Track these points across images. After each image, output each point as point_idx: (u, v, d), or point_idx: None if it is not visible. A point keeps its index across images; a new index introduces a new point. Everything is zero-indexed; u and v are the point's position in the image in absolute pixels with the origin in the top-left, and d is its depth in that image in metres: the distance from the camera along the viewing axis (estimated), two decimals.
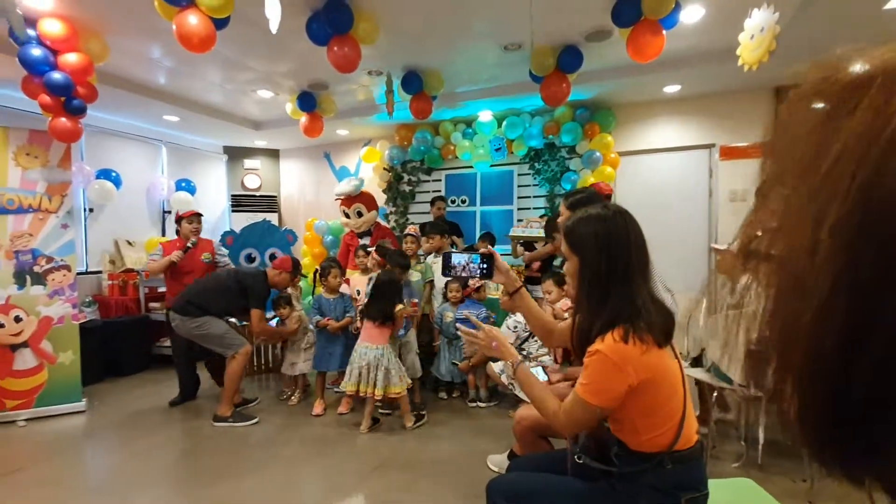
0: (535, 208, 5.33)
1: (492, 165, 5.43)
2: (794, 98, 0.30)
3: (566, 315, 2.58)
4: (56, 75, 3.12)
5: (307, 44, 3.18)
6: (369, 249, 3.87)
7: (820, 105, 0.29)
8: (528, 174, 5.35)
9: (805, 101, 0.30)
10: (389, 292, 3.12)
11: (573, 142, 4.89)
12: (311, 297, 3.97)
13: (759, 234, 0.30)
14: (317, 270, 3.81)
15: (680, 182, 4.95)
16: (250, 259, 4.89)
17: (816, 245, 0.26)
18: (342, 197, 4.83)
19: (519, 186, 5.47)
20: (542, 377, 2.53)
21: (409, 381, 3.16)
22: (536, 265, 3.91)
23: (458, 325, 1.51)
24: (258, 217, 5.73)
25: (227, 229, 5.81)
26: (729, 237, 3.01)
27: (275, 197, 6.89)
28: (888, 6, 2.79)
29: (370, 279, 3.47)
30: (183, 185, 5.89)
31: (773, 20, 2.34)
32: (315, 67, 4.01)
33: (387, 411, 3.37)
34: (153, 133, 5.64)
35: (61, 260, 3.53)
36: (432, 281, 3.91)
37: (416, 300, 3.56)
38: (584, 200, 2.45)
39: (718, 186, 4.72)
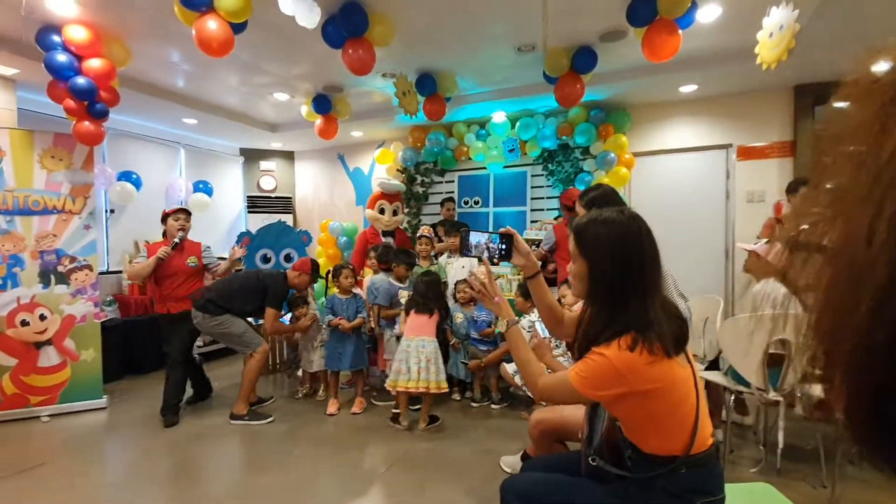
0: (548, 209, 5.31)
1: (505, 167, 5.43)
2: (850, 86, 0.30)
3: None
4: (80, 80, 3.21)
5: (322, 47, 3.21)
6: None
7: (880, 93, 0.29)
8: (542, 175, 5.34)
9: (863, 89, 0.30)
10: (434, 282, 3.30)
11: (587, 143, 4.87)
12: (324, 298, 4.02)
13: (807, 225, 0.30)
14: (329, 271, 3.86)
15: (696, 183, 4.89)
16: (266, 259, 4.95)
17: (874, 234, 0.26)
18: (390, 192, 4.88)
19: (532, 188, 5.45)
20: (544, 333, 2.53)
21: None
22: (551, 267, 3.90)
23: (468, 275, 1.49)
24: (273, 218, 5.79)
25: (244, 230, 5.89)
26: (746, 239, 2.99)
27: (290, 198, 6.97)
28: None
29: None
30: (200, 186, 5.98)
31: (793, 18, 2.30)
32: (330, 70, 4.05)
33: (398, 410, 3.38)
34: (172, 136, 5.75)
35: (84, 260, 3.62)
36: (445, 282, 3.92)
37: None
38: (599, 198, 2.41)
39: (736, 187, 4.65)
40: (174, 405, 3.38)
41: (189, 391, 3.80)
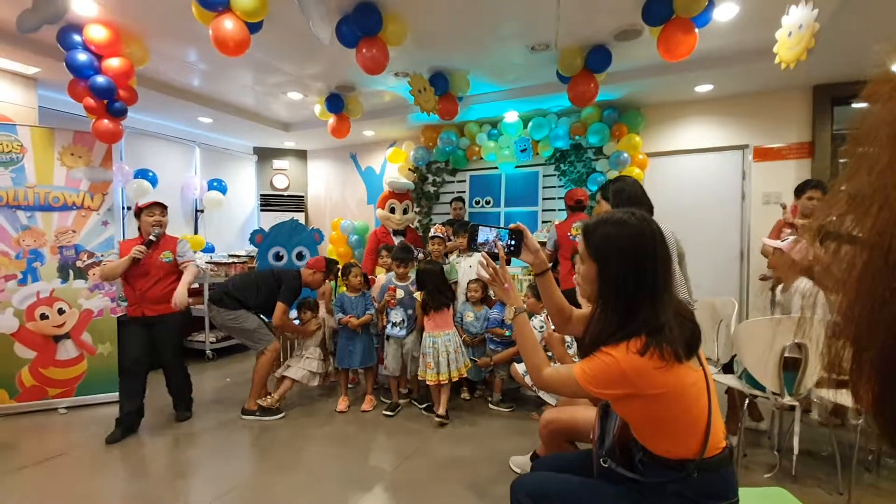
0: (559, 210, 5.28)
1: (517, 166, 5.42)
2: (883, 80, 0.30)
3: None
4: (100, 79, 3.27)
5: (336, 46, 3.23)
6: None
7: None
8: (554, 175, 5.31)
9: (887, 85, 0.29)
10: (437, 279, 3.35)
11: (600, 143, 4.84)
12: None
13: (836, 216, 0.30)
14: (338, 270, 3.89)
15: (711, 184, 4.83)
16: (278, 257, 4.99)
17: None
18: (400, 191, 4.90)
19: (544, 188, 5.43)
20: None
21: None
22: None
23: (480, 258, 1.45)
24: (286, 216, 5.84)
25: (257, 228, 5.95)
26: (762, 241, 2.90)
27: (302, 197, 7.02)
28: None
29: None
30: (215, 184, 6.06)
31: (812, 17, 2.26)
32: (343, 69, 4.08)
33: (422, 405, 3.40)
34: (188, 134, 5.84)
35: (102, 255, 3.68)
36: (456, 282, 3.92)
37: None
38: (619, 192, 2.37)
39: (752, 189, 4.59)
40: (125, 416, 3.04)
41: (199, 385, 3.84)
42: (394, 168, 6.08)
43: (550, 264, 1.52)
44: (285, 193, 6.92)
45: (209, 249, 5.84)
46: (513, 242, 1.42)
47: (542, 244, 4.04)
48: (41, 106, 4.07)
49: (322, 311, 3.86)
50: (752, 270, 4.58)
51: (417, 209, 5.95)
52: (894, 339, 0.27)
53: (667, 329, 1.10)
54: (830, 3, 2.82)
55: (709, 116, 4.73)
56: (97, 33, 3.17)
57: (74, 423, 3.31)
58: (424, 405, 3.44)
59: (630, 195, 2.37)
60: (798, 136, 4.39)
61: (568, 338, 2.90)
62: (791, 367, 2.30)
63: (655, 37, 3.02)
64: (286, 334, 3.85)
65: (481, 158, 5.53)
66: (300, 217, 6.66)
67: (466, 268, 3.88)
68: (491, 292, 3.71)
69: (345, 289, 3.67)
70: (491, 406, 3.55)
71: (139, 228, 3.22)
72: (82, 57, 3.22)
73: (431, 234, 4.08)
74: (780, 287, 2.67)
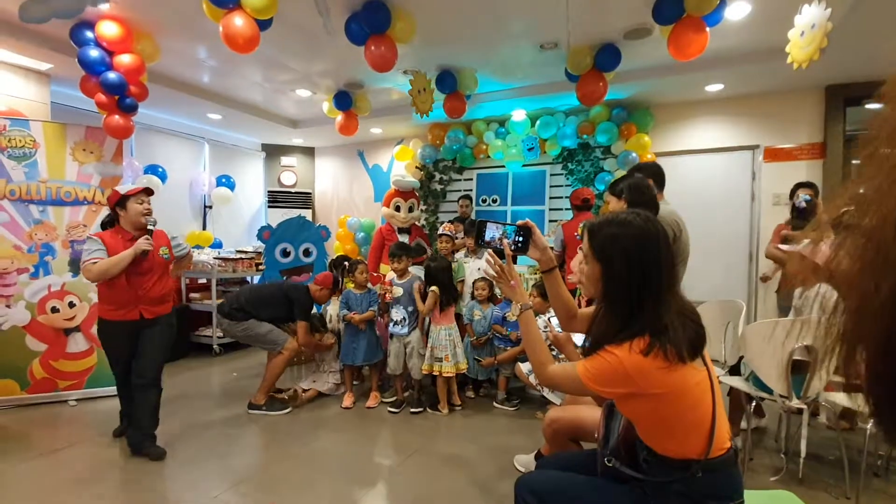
0: (566, 209, 5.26)
1: (524, 165, 5.40)
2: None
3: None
4: (111, 75, 3.30)
5: (345, 43, 3.24)
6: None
7: None
8: (561, 174, 5.30)
9: None
10: (445, 275, 3.43)
11: (608, 142, 4.81)
12: None
13: (851, 207, 0.30)
14: (343, 267, 3.91)
15: (721, 185, 4.80)
16: (285, 253, 5.03)
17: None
18: (405, 189, 4.92)
19: (551, 187, 5.41)
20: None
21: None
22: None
23: (486, 256, 1.45)
24: (293, 213, 5.88)
25: (264, 224, 5.99)
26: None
27: (309, 193, 7.05)
28: None
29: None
30: (223, 180, 6.10)
31: (825, 16, 2.24)
32: (352, 67, 4.09)
33: (419, 409, 3.41)
34: (197, 130, 5.87)
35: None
36: (462, 280, 3.92)
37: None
38: (629, 188, 2.32)
39: (762, 190, 4.55)
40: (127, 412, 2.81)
41: (212, 379, 3.87)
42: (401, 166, 6.09)
43: (557, 264, 1.51)
44: (293, 190, 6.95)
45: (217, 245, 5.88)
46: (520, 239, 1.42)
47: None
48: (54, 102, 4.12)
49: (336, 324, 3.89)
50: (761, 272, 4.55)
51: (424, 207, 5.96)
52: (883, 331, 0.27)
53: (671, 329, 1.10)
54: (843, 2, 2.79)
55: (719, 116, 4.69)
56: (109, 30, 3.20)
57: (84, 415, 3.36)
58: (419, 409, 3.41)
59: (640, 193, 2.32)
60: (809, 136, 4.35)
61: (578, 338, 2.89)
62: (799, 369, 2.28)
63: (666, 36, 3.00)
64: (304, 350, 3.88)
65: (488, 157, 5.52)
66: (307, 214, 6.70)
67: (475, 269, 3.88)
68: (497, 290, 3.71)
69: (351, 285, 3.68)
70: (495, 405, 3.55)
71: (117, 220, 2.71)
72: (94, 53, 3.26)
73: (440, 231, 4.10)
74: (797, 291, 2.65)
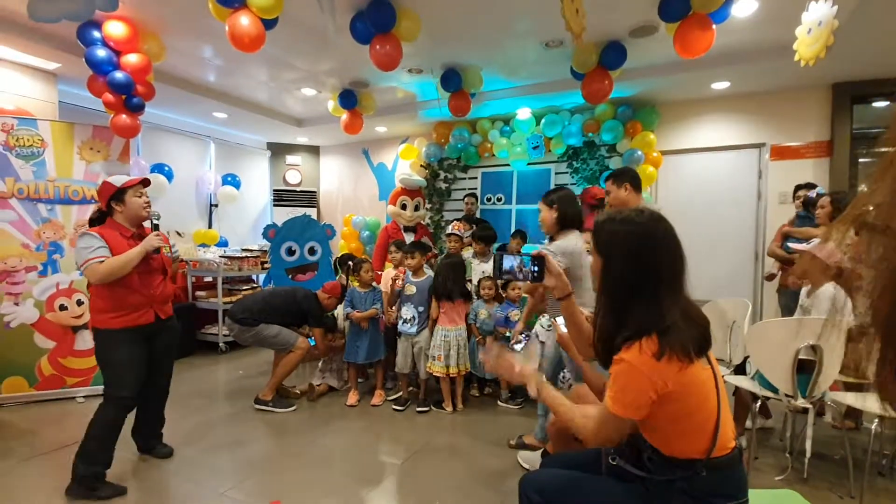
0: None
1: (529, 164, 5.40)
2: None
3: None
4: (118, 75, 3.32)
5: (350, 42, 3.25)
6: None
7: None
8: (566, 173, 5.29)
9: None
10: (457, 271, 3.42)
11: (614, 140, 4.80)
12: None
13: (872, 207, 0.30)
14: (348, 266, 3.92)
15: (726, 183, 4.77)
16: (290, 252, 5.05)
17: None
18: (411, 188, 4.93)
19: (556, 185, 5.40)
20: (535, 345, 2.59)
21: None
22: None
23: (481, 354, 1.47)
24: (298, 212, 5.91)
25: (270, 223, 6.01)
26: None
27: (314, 192, 7.08)
28: None
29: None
30: (229, 179, 6.14)
31: (832, 14, 2.22)
32: (357, 66, 4.10)
33: (425, 408, 3.42)
34: (203, 129, 5.91)
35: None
36: (469, 279, 3.93)
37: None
38: (563, 198, 2.54)
39: (768, 188, 4.52)
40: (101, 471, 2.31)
41: (217, 378, 3.89)
42: (406, 164, 6.10)
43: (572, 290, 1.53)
44: (298, 189, 6.98)
45: (223, 244, 5.91)
46: (536, 268, 1.48)
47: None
48: (61, 101, 4.15)
49: (341, 321, 3.92)
50: (766, 271, 4.52)
51: (429, 206, 5.97)
52: None
53: (675, 328, 1.11)
54: (850, 0, 2.76)
55: (725, 114, 4.66)
56: (116, 29, 3.22)
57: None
58: (426, 408, 3.42)
59: (569, 203, 2.55)
60: (816, 134, 4.32)
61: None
62: (805, 369, 2.28)
63: (672, 33, 2.98)
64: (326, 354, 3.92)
65: (493, 155, 5.51)
66: (312, 212, 6.72)
67: (480, 272, 3.91)
68: (503, 291, 3.71)
69: (356, 284, 3.70)
70: (500, 403, 3.56)
71: (110, 214, 2.41)
72: (101, 53, 3.28)
73: (448, 231, 4.11)
74: (804, 290, 2.64)
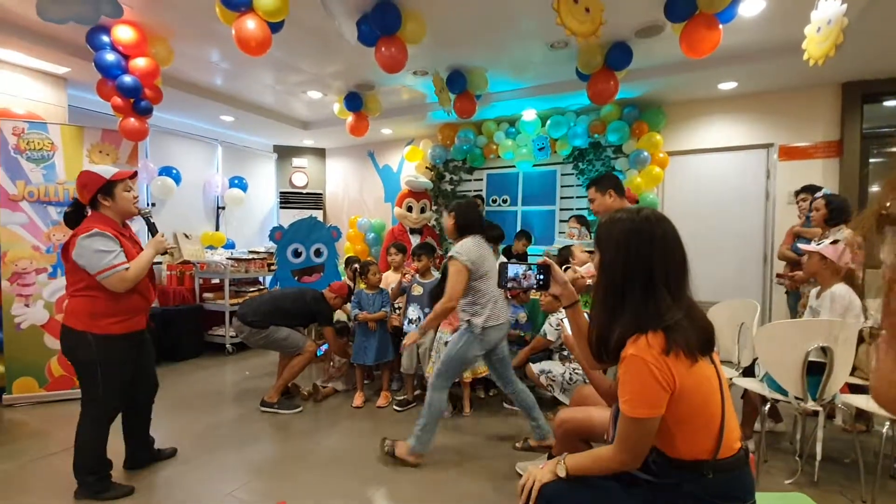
0: (577, 209, 5.24)
1: (535, 165, 5.39)
2: None
3: (589, 281, 2.55)
4: (127, 79, 3.36)
5: (355, 45, 3.26)
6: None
7: None
8: (572, 174, 5.27)
9: None
10: None
11: (620, 141, 4.78)
12: None
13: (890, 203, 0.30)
14: (354, 269, 3.94)
15: (734, 184, 4.73)
16: (296, 254, 5.07)
17: None
18: (418, 190, 4.94)
19: (562, 187, 5.39)
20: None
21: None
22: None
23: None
24: (304, 214, 5.92)
25: (276, 224, 6.04)
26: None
27: (320, 194, 7.11)
28: None
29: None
30: (236, 182, 6.18)
31: (841, 12, 2.20)
32: (362, 68, 4.11)
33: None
34: (210, 133, 5.96)
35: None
36: None
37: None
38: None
39: (776, 188, 4.48)
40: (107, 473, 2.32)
41: (225, 379, 3.90)
42: (411, 166, 6.11)
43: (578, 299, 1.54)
44: (304, 191, 7.01)
45: (230, 246, 5.95)
46: (541, 276, 1.48)
47: (591, 252, 4.02)
48: (71, 105, 4.21)
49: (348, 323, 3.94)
50: (775, 272, 4.48)
51: (434, 207, 5.97)
52: None
53: (680, 328, 1.11)
54: None
55: (733, 114, 4.63)
56: (124, 34, 3.26)
57: None
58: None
59: (473, 218, 2.66)
60: (826, 134, 4.27)
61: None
62: (815, 371, 2.25)
63: (678, 33, 2.97)
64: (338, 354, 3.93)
65: (499, 157, 5.51)
66: (318, 214, 6.75)
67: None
68: (510, 294, 3.70)
69: (363, 286, 3.71)
70: (506, 405, 3.54)
71: (78, 214, 2.27)
72: (110, 57, 3.32)
73: None
74: (813, 292, 2.62)
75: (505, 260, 1.70)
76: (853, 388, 2.45)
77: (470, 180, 5.93)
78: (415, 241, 4.76)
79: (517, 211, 5.67)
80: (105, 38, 3.31)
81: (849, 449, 2.68)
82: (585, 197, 5.09)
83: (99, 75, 3.42)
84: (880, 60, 3.66)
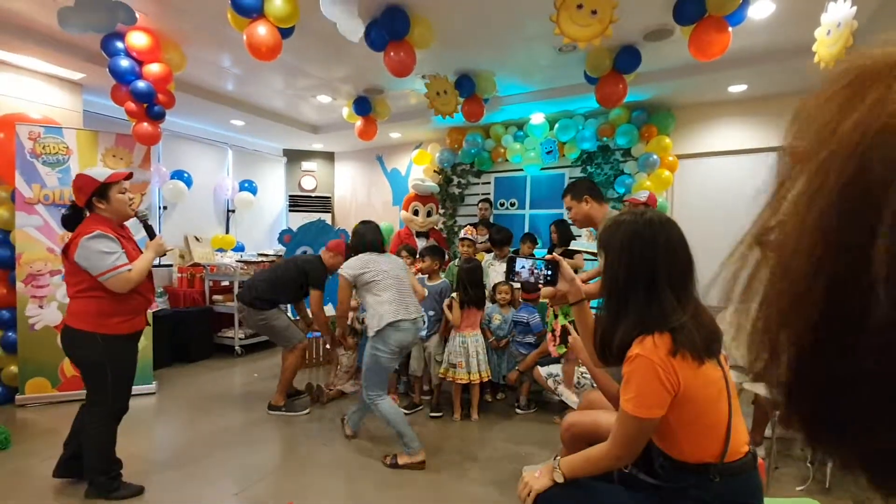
0: None
1: (542, 168, 5.38)
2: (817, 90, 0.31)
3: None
4: (140, 84, 3.41)
5: (364, 50, 3.29)
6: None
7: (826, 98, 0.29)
8: (580, 177, 5.26)
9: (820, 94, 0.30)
10: (475, 276, 3.39)
11: (628, 144, 4.76)
12: None
13: (773, 223, 0.31)
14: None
15: (744, 187, 4.68)
16: None
17: (803, 232, 0.27)
18: (423, 194, 4.96)
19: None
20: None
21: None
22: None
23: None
24: (313, 217, 5.97)
25: (285, 228, 6.10)
26: None
27: (329, 198, 7.15)
28: None
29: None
30: (246, 185, 6.24)
31: (850, 15, 2.18)
32: (371, 72, 4.14)
33: (438, 413, 3.42)
34: (221, 137, 6.03)
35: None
36: (485, 285, 3.91)
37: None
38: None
39: None
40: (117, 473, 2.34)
41: (235, 380, 3.92)
42: (419, 170, 6.13)
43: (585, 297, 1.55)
44: (313, 194, 7.06)
45: (239, 248, 6.01)
46: (549, 272, 1.49)
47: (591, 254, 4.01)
48: (86, 110, 4.28)
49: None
50: None
51: (442, 211, 5.98)
52: (789, 340, 0.29)
53: (687, 330, 1.11)
54: (871, 1, 2.72)
55: (743, 117, 4.60)
56: (138, 40, 3.32)
57: None
58: (439, 413, 3.42)
59: (357, 243, 2.88)
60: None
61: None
62: None
63: (687, 36, 2.96)
64: (313, 328, 3.88)
65: (507, 160, 5.51)
66: (327, 218, 6.79)
67: (500, 272, 3.89)
68: (518, 295, 3.70)
69: None
70: (519, 411, 3.53)
71: (76, 216, 2.27)
72: (124, 63, 3.37)
73: (461, 235, 4.12)
74: None
75: (512, 255, 1.71)
76: None
77: (478, 183, 5.94)
78: (421, 244, 4.78)
79: (525, 214, 5.67)
80: (119, 45, 3.37)
81: None
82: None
83: (113, 81, 3.48)
84: None
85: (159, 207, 5.26)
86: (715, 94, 4.46)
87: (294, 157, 7.07)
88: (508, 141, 5.36)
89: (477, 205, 5.38)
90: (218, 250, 5.72)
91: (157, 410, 3.54)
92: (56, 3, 2.86)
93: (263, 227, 6.75)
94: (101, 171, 2.28)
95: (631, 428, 1.14)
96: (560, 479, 1.27)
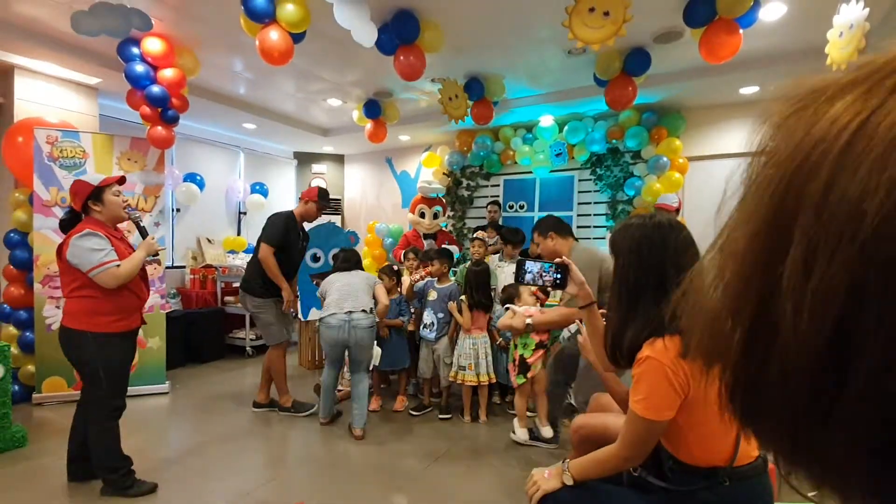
0: (595, 215, 5.21)
1: (552, 171, 5.38)
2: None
3: (528, 320, 2.83)
4: (155, 89, 3.48)
5: (375, 53, 3.32)
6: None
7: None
8: (590, 180, 5.24)
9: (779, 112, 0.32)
10: (483, 279, 3.41)
11: (638, 146, 4.74)
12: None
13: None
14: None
15: None
16: (315, 258, 5.15)
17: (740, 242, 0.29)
18: (430, 196, 4.98)
19: (579, 192, 5.36)
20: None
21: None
22: None
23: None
24: (323, 219, 6.00)
25: None
26: None
27: (339, 200, 7.20)
28: None
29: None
30: (257, 188, 6.31)
31: (863, 17, 2.16)
32: (381, 76, 4.18)
33: (447, 415, 3.43)
34: (233, 140, 6.10)
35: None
36: (494, 288, 3.92)
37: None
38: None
39: None
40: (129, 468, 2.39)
41: (246, 381, 3.96)
42: (428, 172, 6.15)
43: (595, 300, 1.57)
44: None
45: (251, 250, 6.06)
46: (558, 276, 1.50)
47: (539, 292, 4.01)
48: (102, 114, 4.36)
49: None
50: None
51: (451, 213, 5.99)
52: (718, 350, 0.32)
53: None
54: (884, 2, 2.69)
55: (754, 119, 4.54)
56: (153, 46, 3.38)
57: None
58: (448, 415, 3.43)
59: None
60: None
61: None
62: None
63: (697, 38, 2.95)
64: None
65: (516, 163, 5.52)
66: (337, 220, 6.83)
67: (510, 274, 3.89)
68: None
69: None
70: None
71: (73, 220, 2.33)
72: (139, 68, 3.44)
73: (474, 235, 4.13)
74: None
75: (521, 257, 1.72)
76: None
77: (487, 186, 5.95)
78: (428, 246, 4.80)
79: (534, 217, 5.66)
80: (135, 50, 3.43)
81: None
82: (603, 203, 5.11)
83: (129, 85, 3.54)
84: None
85: (172, 210, 5.34)
86: (726, 96, 4.43)
87: (304, 160, 7.13)
88: (518, 143, 5.36)
89: (486, 207, 5.39)
90: (230, 252, 5.78)
91: (169, 410, 3.59)
92: (73, 9, 2.92)
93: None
94: (95, 176, 2.40)
95: (640, 429, 1.15)
96: (569, 482, 1.27)
